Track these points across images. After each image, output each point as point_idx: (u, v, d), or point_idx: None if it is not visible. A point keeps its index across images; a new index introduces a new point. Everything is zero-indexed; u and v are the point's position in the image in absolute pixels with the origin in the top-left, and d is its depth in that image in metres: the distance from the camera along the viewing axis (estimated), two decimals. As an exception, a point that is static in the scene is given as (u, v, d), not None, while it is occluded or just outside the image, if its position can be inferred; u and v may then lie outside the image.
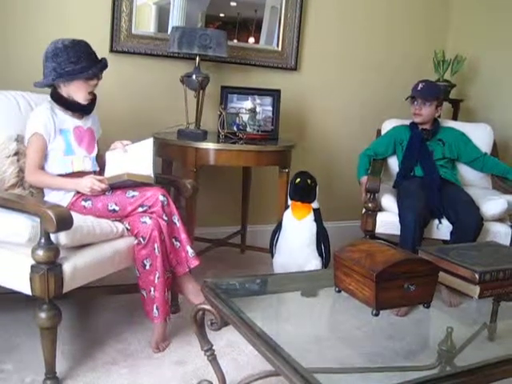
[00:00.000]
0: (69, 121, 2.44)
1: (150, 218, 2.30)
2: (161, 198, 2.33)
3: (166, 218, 2.34)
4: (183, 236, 2.42)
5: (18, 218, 2.01)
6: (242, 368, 2.25)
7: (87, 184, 2.31)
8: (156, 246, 2.28)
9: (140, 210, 2.32)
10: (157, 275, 2.29)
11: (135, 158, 2.46)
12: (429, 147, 3.19)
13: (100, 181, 2.33)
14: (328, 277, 1.87)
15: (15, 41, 2.94)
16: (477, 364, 1.46)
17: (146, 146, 2.47)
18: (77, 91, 2.39)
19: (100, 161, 2.54)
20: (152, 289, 2.30)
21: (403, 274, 1.65)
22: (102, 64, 2.42)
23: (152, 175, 2.41)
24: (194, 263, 2.43)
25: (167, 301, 2.35)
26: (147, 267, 2.30)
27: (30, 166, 2.34)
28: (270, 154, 3.12)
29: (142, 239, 2.28)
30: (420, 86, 3.21)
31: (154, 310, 2.31)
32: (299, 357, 1.40)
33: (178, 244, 2.41)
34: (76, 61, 2.32)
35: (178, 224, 2.41)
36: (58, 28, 2.96)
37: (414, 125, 3.29)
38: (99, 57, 2.43)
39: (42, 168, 2.37)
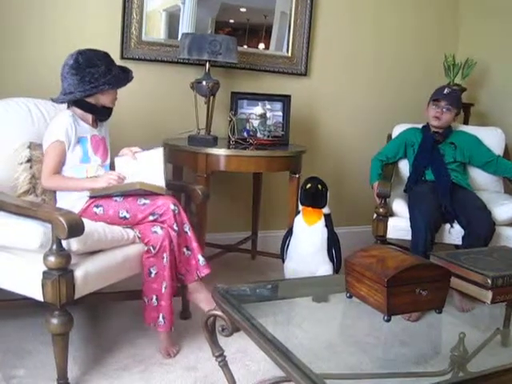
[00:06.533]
0: (87, 129, 2.45)
1: (161, 228, 2.31)
2: (172, 207, 2.33)
3: (176, 228, 2.33)
4: (194, 245, 2.42)
5: (30, 225, 2.02)
6: (253, 374, 2.25)
7: (104, 180, 2.35)
8: (165, 255, 2.29)
9: (151, 218, 2.33)
10: (164, 285, 2.29)
11: (146, 168, 2.46)
12: (440, 150, 3.18)
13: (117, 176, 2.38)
14: (339, 282, 1.87)
15: (25, 48, 2.97)
16: (490, 370, 1.45)
17: (157, 156, 2.46)
18: (108, 96, 2.44)
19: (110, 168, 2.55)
20: (154, 297, 2.30)
21: (415, 279, 1.64)
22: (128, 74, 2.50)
23: (164, 186, 2.42)
24: (205, 271, 2.43)
25: (172, 311, 2.35)
26: (152, 275, 2.30)
27: (46, 171, 2.35)
28: (280, 159, 3.13)
29: (152, 248, 2.29)
30: (446, 90, 3.20)
31: (160, 318, 2.31)
32: (310, 363, 1.39)
33: (190, 253, 2.41)
34: (111, 67, 2.39)
35: (189, 233, 2.41)
36: (67, 35, 2.99)
37: (426, 128, 3.28)
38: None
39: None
